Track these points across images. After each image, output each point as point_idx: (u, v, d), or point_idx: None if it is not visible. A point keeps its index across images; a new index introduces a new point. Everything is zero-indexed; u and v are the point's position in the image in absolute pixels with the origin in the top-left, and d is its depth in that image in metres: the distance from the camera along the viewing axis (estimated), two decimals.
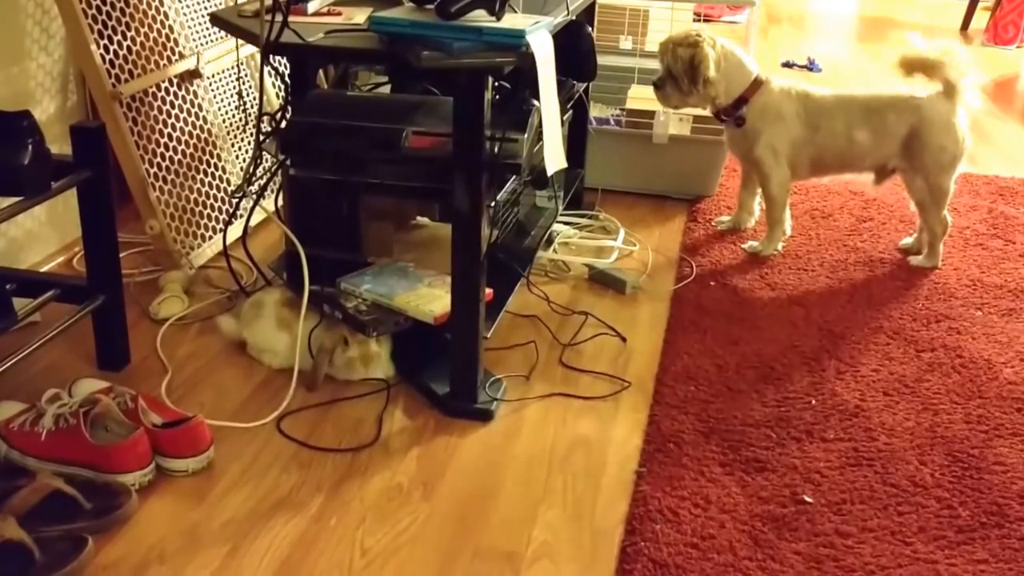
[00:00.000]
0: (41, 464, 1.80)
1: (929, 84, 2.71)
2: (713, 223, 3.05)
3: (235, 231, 2.49)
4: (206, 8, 2.82)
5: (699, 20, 4.49)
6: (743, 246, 2.88)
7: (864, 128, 2.72)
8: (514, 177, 2.28)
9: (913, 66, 2.70)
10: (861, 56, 5.53)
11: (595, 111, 3.25)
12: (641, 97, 3.26)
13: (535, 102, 2.05)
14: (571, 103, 2.66)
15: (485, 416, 2.05)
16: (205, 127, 2.76)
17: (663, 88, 2.77)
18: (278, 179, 2.42)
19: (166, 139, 2.60)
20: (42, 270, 2.54)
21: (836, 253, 2.88)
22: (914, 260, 2.83)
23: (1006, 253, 2.93)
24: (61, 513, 1.68)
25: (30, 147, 1.84)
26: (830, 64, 5.22)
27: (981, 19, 6.12)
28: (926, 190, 2.73)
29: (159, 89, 2.60)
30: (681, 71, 2.70)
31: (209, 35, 2.82)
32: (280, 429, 1.99)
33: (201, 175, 2.73)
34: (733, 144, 2.86)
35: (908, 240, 2.94)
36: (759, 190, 2.92)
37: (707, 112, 2.86)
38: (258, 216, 2.72)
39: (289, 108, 2.19)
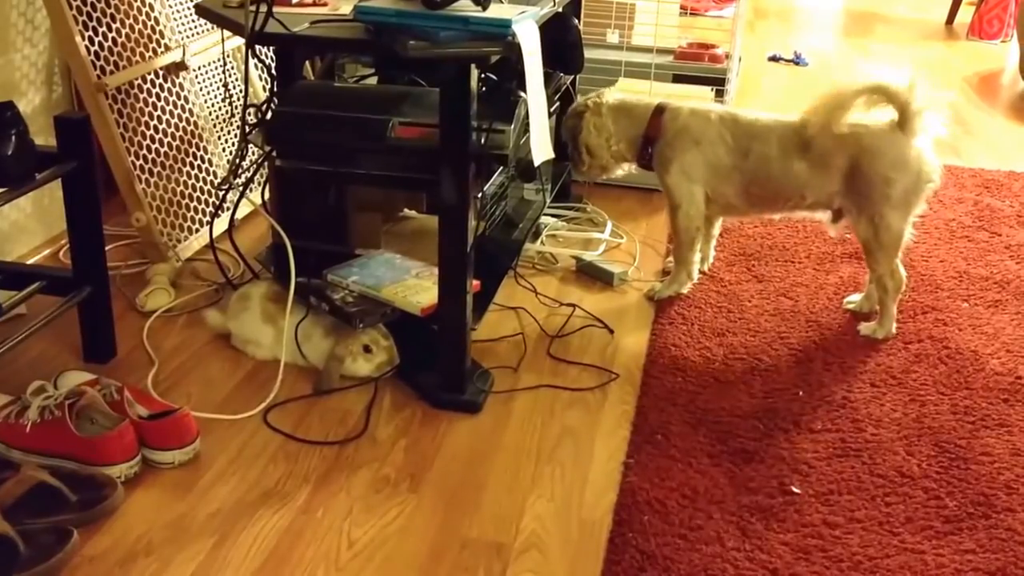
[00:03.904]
0: (26, 456, 1.79)
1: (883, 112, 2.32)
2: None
3: (222, 223, 2.48)
4: None
5: (685, 14, 4.50)
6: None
7: (800, 158, 2.34)
8: (501, 168, 2.28)
9: (875, 99, 2.28)
10: (847, 50, 5.54)
11: None
12: (627, 90, 3.25)
13: (522, 94, 2.04)
14: (558, 95, 2.66)
15: (473, 408, 2.05)
16: (191, 119, 2.75)
17: (572, 161, 2.57)
18: (264, 171, 2.41)
19: (152, 131, 2.59)
20: (28, 262, 2.53)
21: (823, 245, 2.89)
22: (864, 328, 2.41)
23: (992, 245, 2.94)
24: (46, 505, 1.67)
25: (13, 138, 1.83)
26: (817, 58, 5.23)
27: (966, 13, 6.14)
28: (872, 232, 2.32)
29: (145, 81, 2.58)
30: (572, 143, 2.52)
31: (195, 27, 2.81)
32: (267, 421, 1.98)
33: (187, 167, 2.72)
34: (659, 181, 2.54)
35: (856, 298, 2.54)
36: (714, 233, 2.66)
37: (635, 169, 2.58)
38: (245, 208, 2.71)
39: (275, 99, 2.18)
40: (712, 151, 2.40)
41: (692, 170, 2.41)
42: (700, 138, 2.40)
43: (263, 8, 1.87)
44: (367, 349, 2.10)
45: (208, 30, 2.84)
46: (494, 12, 1.81)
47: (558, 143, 2.45)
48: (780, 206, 2.46)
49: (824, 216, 2.47)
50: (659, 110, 2.45)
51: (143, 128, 2.56)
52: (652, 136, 2.44)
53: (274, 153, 2.16)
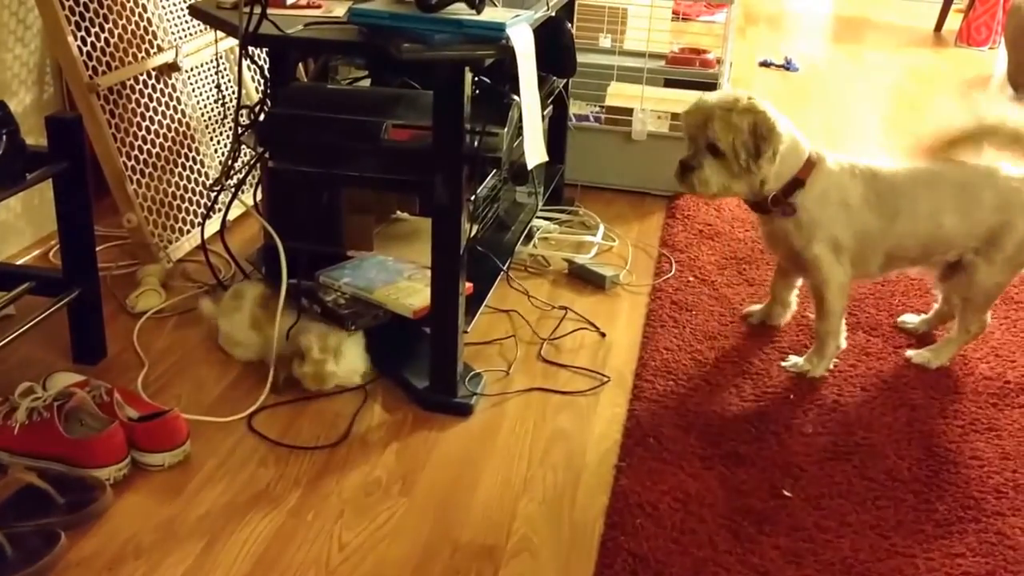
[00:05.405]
0: (14, 458, 1.78)
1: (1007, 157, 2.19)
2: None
3: (213, 225, 2.48)
4: (185, 0, 2.79)
5: (677, 19, 4.51)
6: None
7: (953, 211, 2.16)
8: (494, 171, 2.28)
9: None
10: (837, 56, 5.56)
11: (575, 108, 3.26)
12: (620, 94, 3.27)
13: (515, 97, 2.04)
14: (551, 99, 2.66)
15: (464, 411, 2.05)
16: (184, 120, 2.74)
17: (700, 170, 2.10)
18: (257, 172, 2.40)
19: (144, 132, 2.58)
20: (17, 263, 2.51)
21: None
22: (917, 357, 2.31)
23: None
24: (33, 508, 1.66)
25: (4, 138, 1.82)
26: (807, 63, 5.25)
27: (954, 21, 6.16)
28: (986, 288, 2.22)
29: (137, 82, 2.57)
30: (740, 145, 2.05)
31: (188, 28, 2.80)
32: (252, 427, 1.97)
33: (179, 168, 2.71)
34: (775, 240, 2.24)
35: (913, 319, 2.48)
36: (798, 282, 2.41)
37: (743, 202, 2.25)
38: (237, 209, 2.70)
39: (268, 100, 2.18)
40: (860, 218, 2.16)
41: (842, 242, 2.17)
42: (847, 200, 2.15)
43: (257, 10, 1.87)
44: (301, 355, 2.07)
45: (201, 31, 2.83)
46: (488, 15, 1.81)
47: (551, 146, 2.44)
48: (917, 264, 2.30)
49: (935, 272, 2.32)
50: (812, 157, 2.15)
51: (135, 129, 2.55)
52: (801, 179, 2.13)
53: (267, 154, 2.16)
